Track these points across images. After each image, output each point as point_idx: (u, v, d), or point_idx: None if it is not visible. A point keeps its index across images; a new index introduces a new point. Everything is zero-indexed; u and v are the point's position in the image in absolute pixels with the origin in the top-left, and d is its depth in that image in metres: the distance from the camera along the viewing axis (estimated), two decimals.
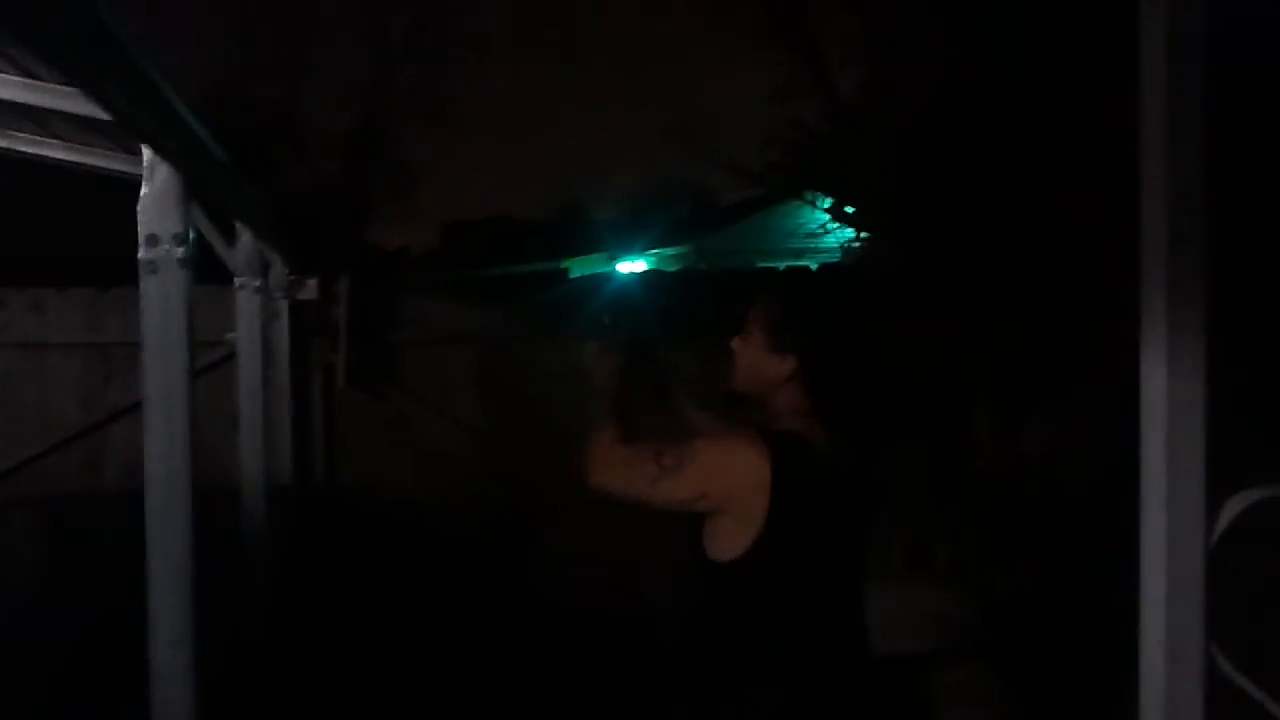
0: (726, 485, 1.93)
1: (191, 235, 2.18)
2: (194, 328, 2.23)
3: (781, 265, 8.90)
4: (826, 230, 10.21)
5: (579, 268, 15.27)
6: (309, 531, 5.15)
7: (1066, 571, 3.81)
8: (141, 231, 2.11)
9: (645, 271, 13.50)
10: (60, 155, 3.47)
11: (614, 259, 15.45)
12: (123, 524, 2.50)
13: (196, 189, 2.22)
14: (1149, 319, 1.25)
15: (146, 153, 2.11)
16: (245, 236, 3.90)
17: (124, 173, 3.13)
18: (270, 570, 4.32)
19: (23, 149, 3.56)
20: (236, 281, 4.01)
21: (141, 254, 2.11)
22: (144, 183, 2.10)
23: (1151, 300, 1.26)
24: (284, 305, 4.91)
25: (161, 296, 2.13)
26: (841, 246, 9.44)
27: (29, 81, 2.45)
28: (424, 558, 5.21)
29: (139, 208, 2.11)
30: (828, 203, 10.46)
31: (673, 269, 13.45)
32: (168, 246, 2.09)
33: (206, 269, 3.60)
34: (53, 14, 1.26)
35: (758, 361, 2.09)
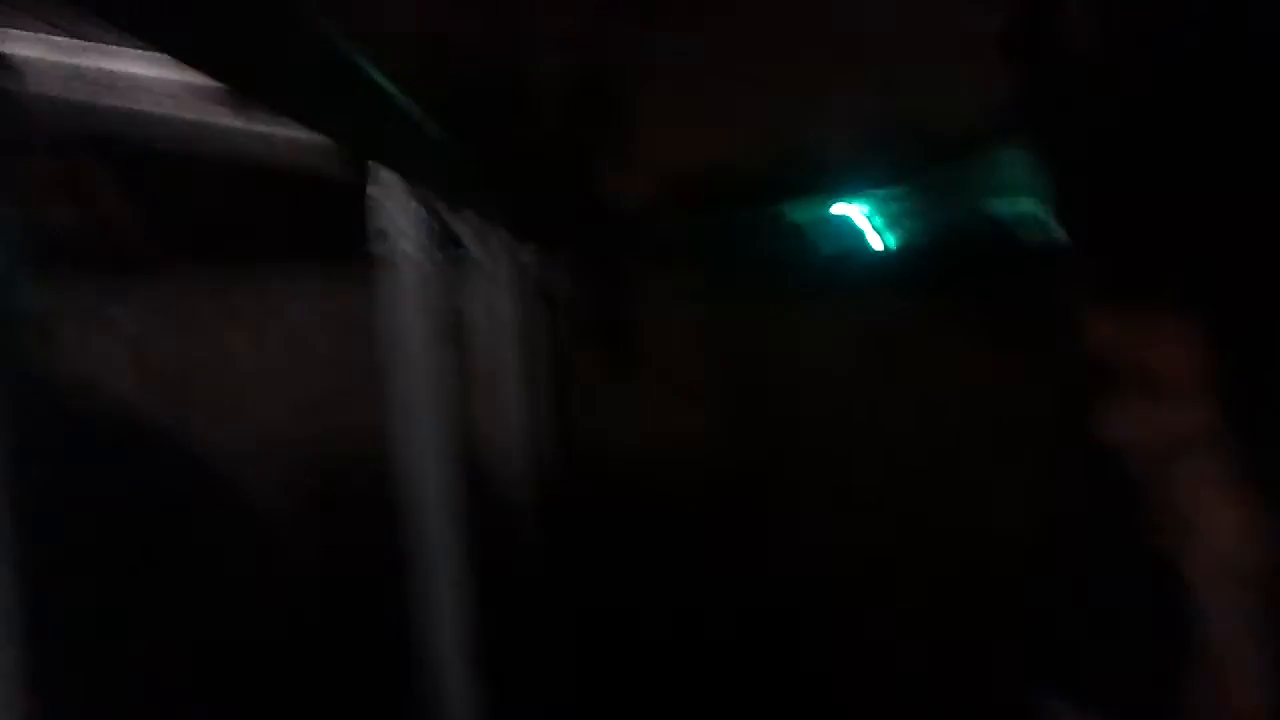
0: None
1: (417, 228, 2.31)
2: (433, 308, 2.37)
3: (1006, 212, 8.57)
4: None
5: (801, 214, 15.11)
6: (544, 490, 5.34)
7: None
8: (371, 227, 2.26)
9: (869, 216, 13.26)
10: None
11: (837, 202, 15.21)
12: (368, 483, 2.67)
13: (418, 185, 2.35)
14: None
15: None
16: (470, 215, 4.08)
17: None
18: (511, 524, 4.51)
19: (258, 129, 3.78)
20: (467, 258, 4.19)
21: (373, 248, 2.26)
22: (369, 183, 2.24)
23: None
24: (511, 273, 5.10)
25: (394, 286, 2.28)
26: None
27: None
28: (655, 516, 5.32)
29: (367, 204, 2.25)
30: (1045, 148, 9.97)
31: (896, 211, 13.17)
32: (398, 241, 2.23)
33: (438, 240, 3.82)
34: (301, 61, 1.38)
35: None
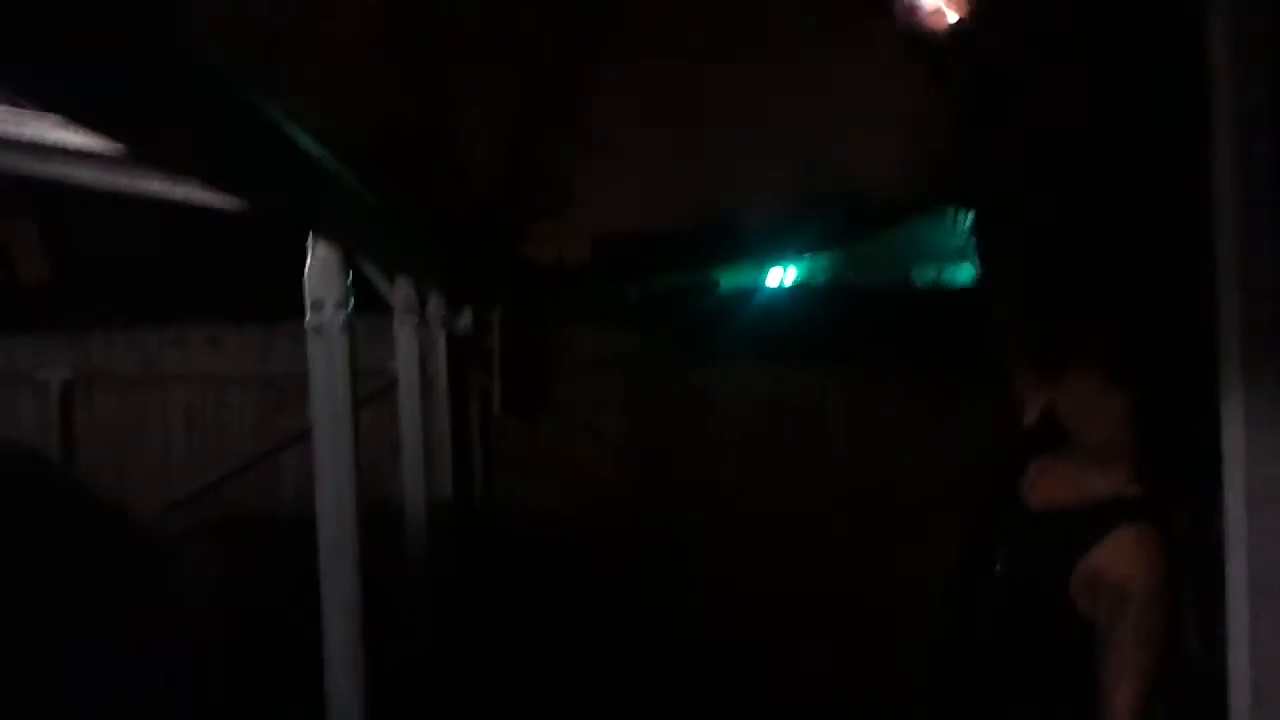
0: None
1: (351, 296, 2.40)
2: (356, 378, 2.46)
3: (927, 281, 8.79)
4: (965, 248, 9.93)
5: (728, 278, 15.29)
6: (469, 549, 5.41)
7: None
8: (307, 297, 2.34)
9: (795, 285, 13.45)
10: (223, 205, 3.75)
11: (764, 268, 15.42)
12: (296, 542, 2.74)
13: (356, 256, 2.45)
14: (1226, 375, 1.31)
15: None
16: (403, 281, 4.17)
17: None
18: (433, 582, 4.58)
19: (191, 197, 3.85)
20: (396, 319, 4.28)
21: (308, 319, 2.34)
22: (309, 255, 2.33)
23: (1229, 357, 1.32)
24: (442, 336, 5.19)
25: (326, 355, 2.36)
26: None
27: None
28: (575, 574, 5.42)
29: (305, 276, 2.34)
30: (964, 218, 10.20)
31: (822, 280, 13.37)
32: (331, 311, 2.32)
33: (371, 303, 3.91)
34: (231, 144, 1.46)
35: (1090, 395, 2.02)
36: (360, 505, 2.47)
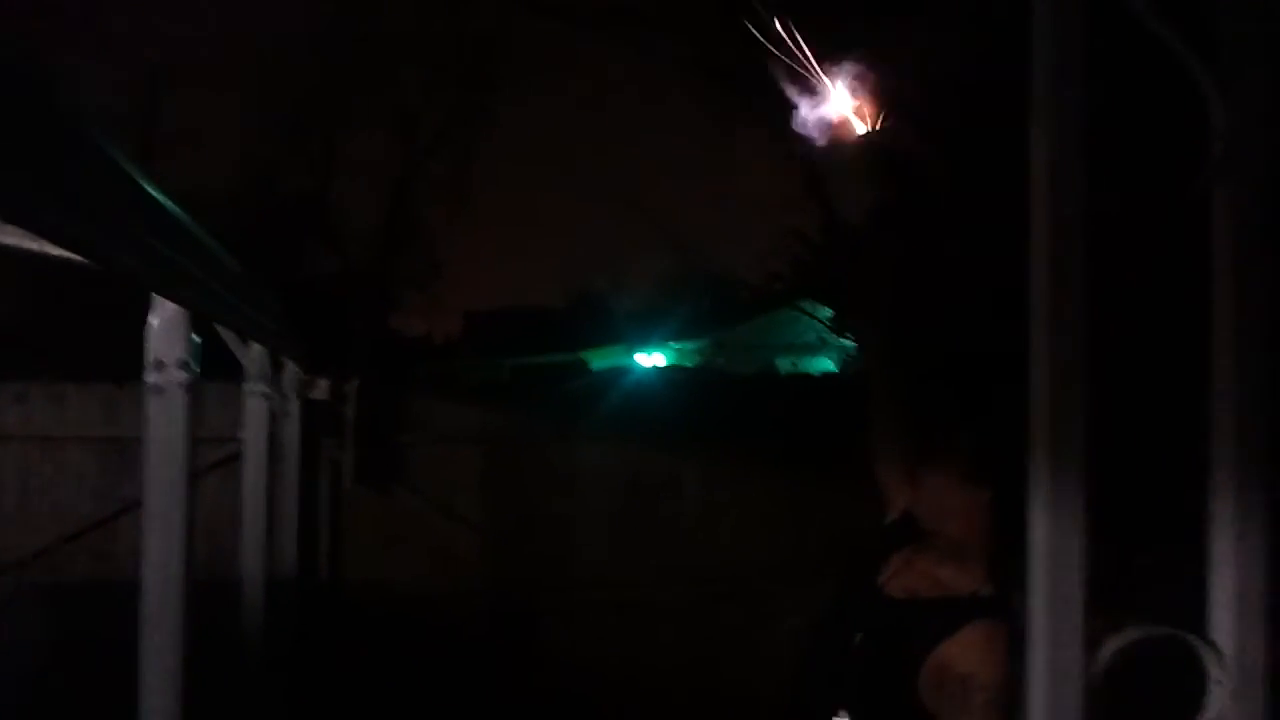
0: None
1: (196, 359, 2.34)
2: (197, 445, 2.38)
3: (788, 367, 9.01)
4: (824, 341, 10.21)
5: (598, 359, 15.42)
6: (312, 628, 5.26)
7: None
8: (148, 356, 2.27)
9: (663, 367, 13.66)
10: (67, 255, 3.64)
11: (632, 351, 15.64)
12: (130, 615, 2.63)
13: (204, 317, 2.39)
14: (1034, 463, 1.37)
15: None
16: (257, 346, 4.08)
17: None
18: (269, 667, 4.42)
19: (29, 246, 3.73)
20: (246, 387, 4.17)
21: (148, 377, 2.27)
22: (150, 313, 2.26)
23: (1037, 446, 1.38)
24: (295, 404, 5.07)
25: (165, 417, 2.29)
26: (846, 354, 9.55)
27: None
28: (424, 653, 5.31)
29: (146, 334, 2.27)
30: (827, 313, 10.57)
31: (689, 364, 13.61)
32: (173, 371, 2.25)
33: (223, 366, 3.80)
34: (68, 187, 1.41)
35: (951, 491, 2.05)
36: (192, 578, 2.38)
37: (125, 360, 4.55)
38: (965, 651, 1.94)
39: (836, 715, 2.01)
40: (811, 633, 2.21)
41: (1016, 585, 2.13)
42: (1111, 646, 1.35)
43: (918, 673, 1.94)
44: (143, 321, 2.29)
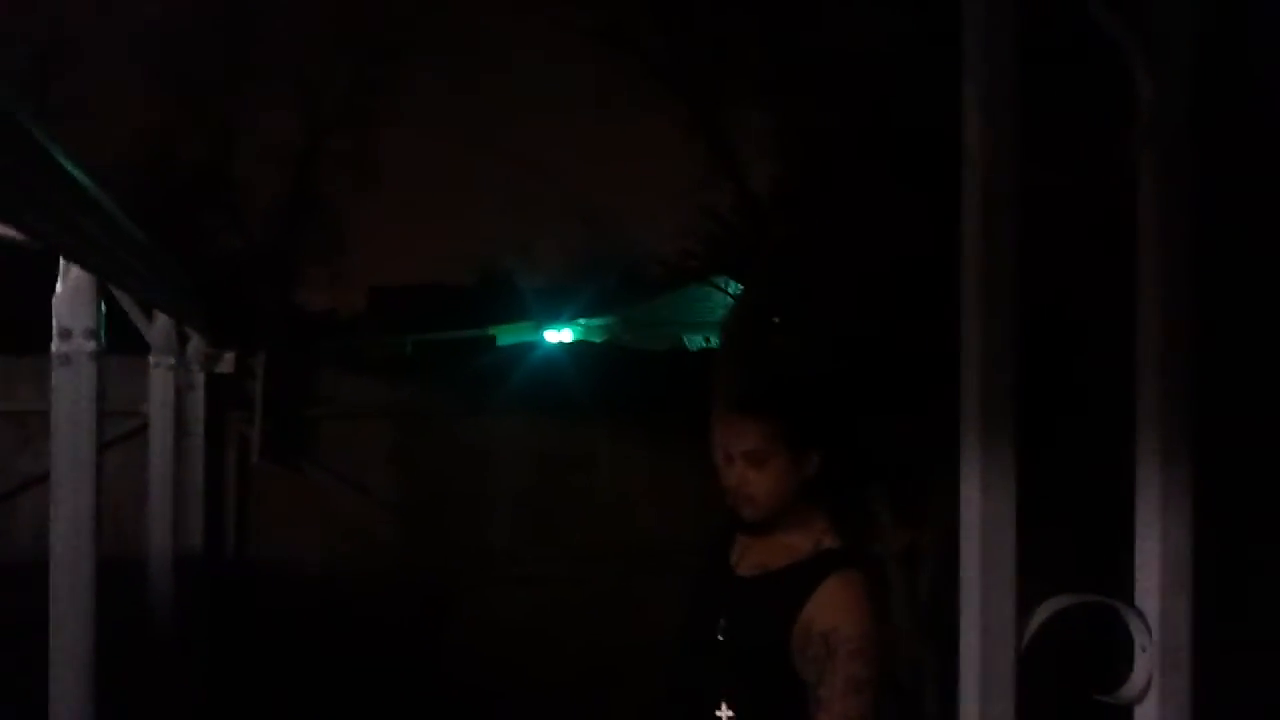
0: None
1: (103, 329, 2.27)
2: (103, 417, 2.31)
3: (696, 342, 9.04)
4: None
5: (506, 335, 15.35)
6: (218, 604, 5.17)
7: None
8: (56, 325, 2.20)
9: (571, 343, 13.65)
10: None
11: (540, 327, 15.60)
12: (32, 592, 2.55)
13: (111, 285, 2.32)
14: (966, 440, 1.40)
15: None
16: (162, 317, 3.98)
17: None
18: (180, 646, 4.33)
19: None
20: (151, 359, 4.07)
21: (55, 346, 2.20)
22: (59, 280, 2.19)
23: (969, 422, 1.40)
24: (200, 378, 4.97)
25: (72, 388, 2.22)
26: None
27: None
28: (335, 632, 5.25)
29: (54, 302, 2.20)
30: (736, 288, 10.60)
31: (598, 340, 13.61)
32: (80, 341, 2.19)
33: (126, 340, 3.70)
34: None
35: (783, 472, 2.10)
36: (99, 553, 2.32)
37: (25, 332, 4.41)
38: (822, 610, 1.98)
39: (719, 709, 2.03)
40: (677, 628, 2.22)
41: (867, 537, 2.15)
42: (1043, 614, 1.38)
43: (788, 642, 1.98)
44: (45, 294, 2.22)
